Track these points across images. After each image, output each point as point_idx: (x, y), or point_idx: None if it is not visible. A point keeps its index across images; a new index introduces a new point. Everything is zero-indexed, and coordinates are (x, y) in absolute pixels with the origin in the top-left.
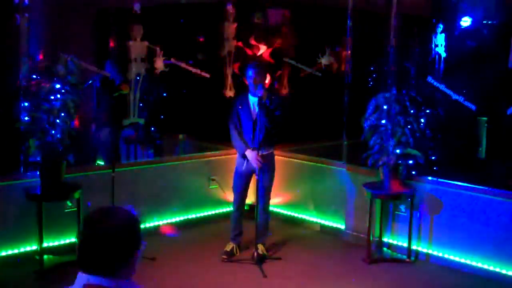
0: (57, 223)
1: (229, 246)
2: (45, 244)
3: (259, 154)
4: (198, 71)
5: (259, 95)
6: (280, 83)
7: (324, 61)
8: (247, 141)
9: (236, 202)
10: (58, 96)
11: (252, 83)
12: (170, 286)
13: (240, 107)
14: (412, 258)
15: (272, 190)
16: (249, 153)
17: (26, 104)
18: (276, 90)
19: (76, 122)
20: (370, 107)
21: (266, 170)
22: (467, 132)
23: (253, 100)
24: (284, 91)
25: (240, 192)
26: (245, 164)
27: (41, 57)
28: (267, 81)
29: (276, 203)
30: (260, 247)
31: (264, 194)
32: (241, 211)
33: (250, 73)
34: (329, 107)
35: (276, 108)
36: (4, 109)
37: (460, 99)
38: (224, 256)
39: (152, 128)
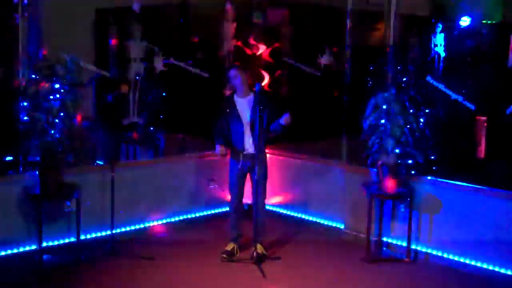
0: (56, 223)
1: (230, 246)
2: (44, 244)
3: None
4: (198, 71)
5: (257, 89)
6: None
7: (323, 60)
8: (238, 141)
9: (233, 203)
10: (57, 96)
11: (239, 83)
12: (170, 286)
13: (227, 109)
14: (411, 258)
15: (272, 190)
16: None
17: (25, 103)
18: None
19: (78, 119)
20: (369, 107)
21: (261, 169)
22: (466, 132)
23: (240, 101)
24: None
25: (237, 193)
26: (240, 164)
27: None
28: (266, 81)
29: (276, 203)
30: (259, 247)
31: (260, 192)
32: (239, 212)
33: (232, 74)
34: (328, 107)
35: (269, 105)
36: (3, 108)
37: (460, 98)
38: (224, 256)
39: (152, 128)
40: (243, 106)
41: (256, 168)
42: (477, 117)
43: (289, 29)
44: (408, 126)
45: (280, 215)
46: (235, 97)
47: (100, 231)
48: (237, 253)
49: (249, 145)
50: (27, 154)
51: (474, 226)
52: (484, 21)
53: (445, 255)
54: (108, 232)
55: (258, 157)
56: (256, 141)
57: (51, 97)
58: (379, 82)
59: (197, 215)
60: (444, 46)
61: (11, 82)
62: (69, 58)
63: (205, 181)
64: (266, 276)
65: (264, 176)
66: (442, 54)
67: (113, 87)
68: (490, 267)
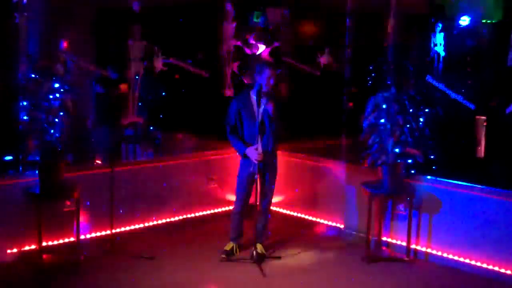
0: (56, 222)
1: (229, 246)
2: (44, 244)
3: (264, 150)
4: (197, 71)
5: (264, 90)
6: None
7: (323, 60)
8: (252, 140)
9: (239, 205)
10: (57, 95)
11: (265, 82)
12: (169, 286)
13: (242, 107)
14: (411, 257)
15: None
16: (249, 151)
17: (25, 103)
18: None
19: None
20: (369, 106)
21: (271, 170)
22: (466, 131)
23: (256, 100)
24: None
25: (244, 196)
26: (252, 166)
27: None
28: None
29: (276, 202)
30: (259, 247)
31: (268, 194)
32: (243, 213)
33: (268, 72)
34: (328, 106)
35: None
36: (3, 108)
37: (459, 98)
38: (224, 256)
39: (151, 128)
40: (258, 105)
41: (266, 170)
42: (477, 117)
43: (289, 29)
44: (407, 126)
45: (280, 214)
46: (252, 94)
47: (100, 231)
48: (236, 252)
49: (261, 146)
50: (27, 153)
51: (474, 226)
52: (483, 20)
53: (445, 255)
54: (108, 232)
55: (271, 156)
56: (267, 142)
57: (51, 96)
58: (378, 81)
59: (197, 215)
60: (443, 45)
61: (11, 82)
62: (68, 58)
63: (205, 181)
64: (265, 275)
65: (274, 178)
66: (442, 54)
67: (112, 87)
68: (489, 266)
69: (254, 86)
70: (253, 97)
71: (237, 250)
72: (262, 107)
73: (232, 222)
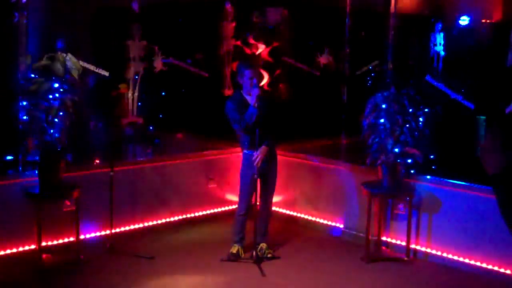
0: (55, 222)
1: (235, 248)
2: (43, 244)
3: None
4: (197, 70)
5: (256, 93)
6: (279, 82)
7: (322, 60)
8: (246, 141)
9: (244, 207)
10: (57, 95)
11: (249, 83)
12: (169, 286)
13: (237, 107)
14: (411, 257)
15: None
16: (252, 96)
17: (24, 103)
18: (265, 90)
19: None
20: (368, 106)
21: (272, 169)
22: (465, 131)
23: (249, 99)
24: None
25: (249, 197)
26: (256, 166)
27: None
28: (265, 80)
29: (276, 202)
30: (265, 246)
31: (270, 194)
32: (247, 215)
33: (248, 73)
34: (327, 106)
35: (268, 105)
36: (2, 108)
37: (459, 98)
38: (232, 258)
39: (151, 127)
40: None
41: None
42: (477, 117)
43: (288, 29)
44: (407, 125)
45: (280, 214)
46: (245, 95)
47: (100, 230)
48: (242, 255)
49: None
50: (27, 153)
51: (474, 225)
52: (483, 20)
53: (445, 255)
54: (108, 232)
55: (271, 156)
56: (263, 141)
57: (50, 96)
58: (378, 81)
59: (197, 215)
60: (443, 45)
61: (11, 81)
62: (68, 57)
63: (205, 181)
64: (265, 275)
65: (276, 177)
66: (442, 54)
67: (112, 87)
68: (489, 266)
69: (244, 87)
70: (247, 97)
71: (242, 252)
72: (257, 105)
73: (236, 224)
